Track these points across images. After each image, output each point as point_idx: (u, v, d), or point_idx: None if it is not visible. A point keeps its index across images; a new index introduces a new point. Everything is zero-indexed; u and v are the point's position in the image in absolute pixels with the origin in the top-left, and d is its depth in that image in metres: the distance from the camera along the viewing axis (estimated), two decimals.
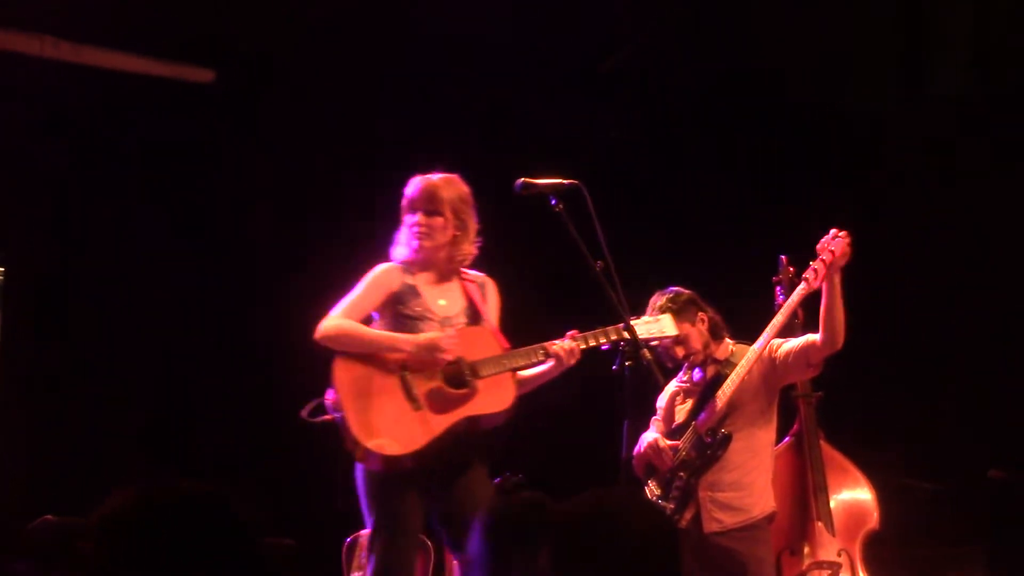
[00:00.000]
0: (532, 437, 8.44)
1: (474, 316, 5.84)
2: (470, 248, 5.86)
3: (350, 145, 8.67)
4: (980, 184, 8.49)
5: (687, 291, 6.37)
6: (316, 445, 7.94)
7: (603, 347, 5.78)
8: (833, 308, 5.98)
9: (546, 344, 5.71)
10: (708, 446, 6.13)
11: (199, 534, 2.49)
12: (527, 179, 5.70)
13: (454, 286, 5.86)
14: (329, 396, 5.66)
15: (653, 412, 6.48)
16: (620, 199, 7.84)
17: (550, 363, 5.73)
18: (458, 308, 5.82)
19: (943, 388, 8.32)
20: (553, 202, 5.61)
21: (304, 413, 5.76)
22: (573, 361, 5.73)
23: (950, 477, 7.93)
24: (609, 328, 5.74)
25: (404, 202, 5.83)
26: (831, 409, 6.94)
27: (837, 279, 5.99)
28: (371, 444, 5.51)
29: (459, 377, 5.63)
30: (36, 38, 7.92)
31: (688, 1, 8.86)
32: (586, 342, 5.77)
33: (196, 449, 8.27)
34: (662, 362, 6.20)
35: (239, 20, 8.37)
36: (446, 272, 5.84)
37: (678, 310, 6.18)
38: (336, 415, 5.58)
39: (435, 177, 5.83)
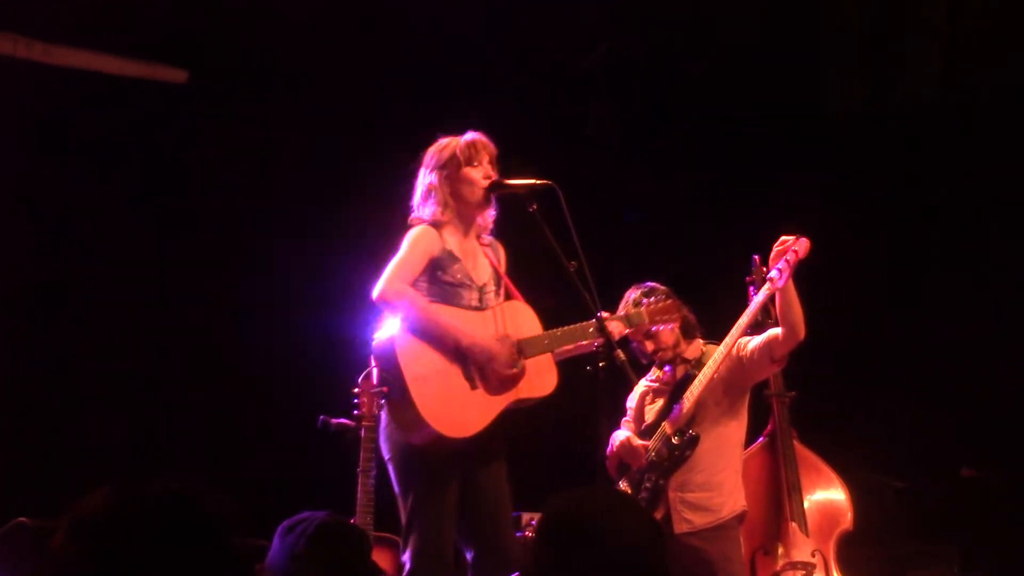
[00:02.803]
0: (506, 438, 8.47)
1: (499, 282, 5.78)
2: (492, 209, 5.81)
3: (325, 143, 8.68)
4: (949, 186, 8.54)
5: (663, 287, 6.34)
6: (300, 446, 8.00)
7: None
8: (789, 301, 6.00)
9: (594, 322, 5.57)
10: (676, 447, 6.12)
11: (171, 533, 2.49)
12: (499, 179, 5.68)
13: (478, 251, 5.78)
14: (376, 366, 5.58)
15: (625, 412, 6.48)
16: (594, 197, 7.85)
17: (590, 342, 5.64)
18: (487, 275, 5.76)
19: (915, 387, 8.35)
20: (527, 203, 5.58)
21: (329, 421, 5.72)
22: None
23: (922, 475, 7.96)
24: (631, 312, 5.85)
25: (458, 152, 5.67)
26: (805, 409, 6.95)
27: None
28: (437, 424, 5.43)
29: (509, 356, 5.58)
30: (8, 38, 7.89)
31: (663, 2, 8.89)
32: (629, 324, 5.82)
33: (178, 450, 8.25)
34: (636, 360, 6.20)
35: (212, 19, 8.38)
36: (471, 236, 5.76)
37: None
38: (390, 386, 5.49)
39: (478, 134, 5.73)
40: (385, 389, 5.56)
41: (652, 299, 6.11)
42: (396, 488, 5.65)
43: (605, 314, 5.65)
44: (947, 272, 8.46)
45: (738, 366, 6.21)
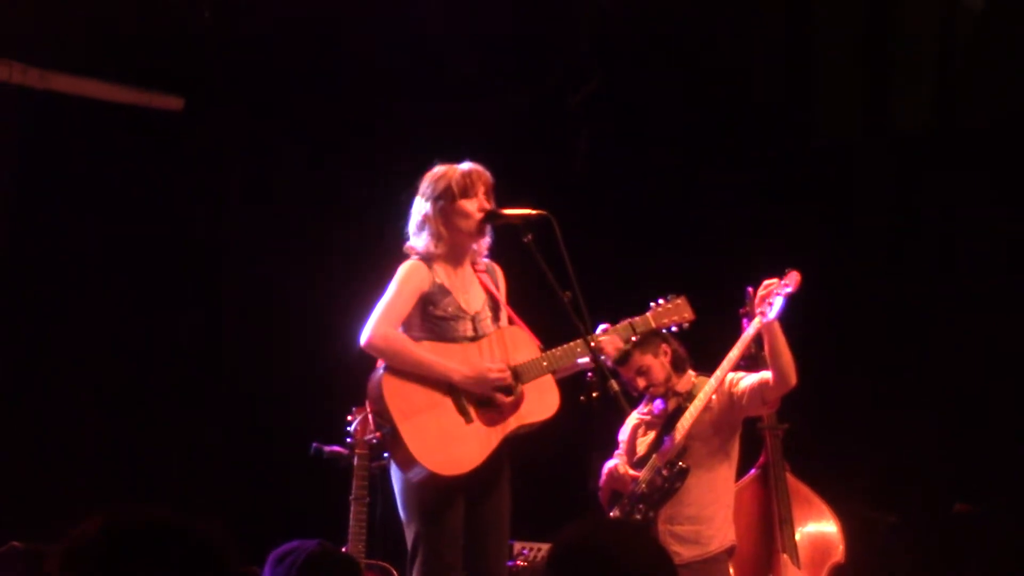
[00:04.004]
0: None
1: (495, 307, 5.75)
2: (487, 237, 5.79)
3: (320, 168, 8.70)
4: (944, 218, 8.55)
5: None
6: (292, 473, 8.00)
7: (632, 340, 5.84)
8: (778, 348, 5.99)
9: (591, 337, 5.53)
10: (666, 479, 6.10)
11: (167, 562, 2.47)
12: (493, 209, 5.66)
13: (472, 278, 5.74)
14: (370, 411, 5.58)
15: (617, 445, 6.46)
16: (586, 226, 7.85)
17: (587, 359, 5.59)
18: (481, 302, 5.71)
19: (909, 421, 8.34)
20: (521, 233, 5.56)
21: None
22: (612, 352, 5.70)
23: (915, 510, 7.95)
24: (636, 320, 5.79)
25: (453, 184, 5.61)
26: (797, 441, 6.94)
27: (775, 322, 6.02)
28: (430, 464, 5.42)
29: (505, 384, 5.55)
30: (4, 64, 7.90)
31: (657, 35, 8.92)
32: (633, 331, 5.78)
33: (169, 476, 8.24)
34: (628, 392, 6.18)
35: (209, 47, 8.41)
36: (464, 264, 5.72)
37: (641, 341, 6.16)
38: (384, 430, 5.50)
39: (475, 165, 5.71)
40: (378, 434, 5.57)
41: (656, 303, 6.01)
42: (402, 515, 5.65)
43: (608, 326, 5.68)
44: (945, 303, 8.44)
45: (729, 404, 6.20)
